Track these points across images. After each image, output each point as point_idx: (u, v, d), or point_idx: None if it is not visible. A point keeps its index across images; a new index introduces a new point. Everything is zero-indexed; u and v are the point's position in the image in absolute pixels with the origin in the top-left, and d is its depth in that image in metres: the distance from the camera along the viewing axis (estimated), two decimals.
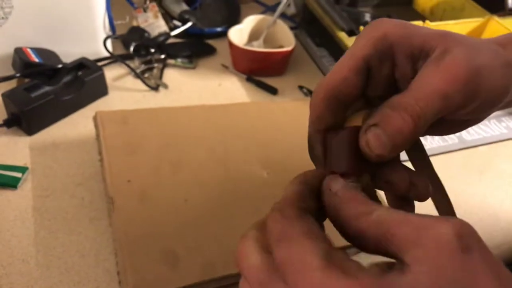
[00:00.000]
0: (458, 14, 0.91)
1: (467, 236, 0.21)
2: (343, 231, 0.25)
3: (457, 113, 0.28)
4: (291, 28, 0.85)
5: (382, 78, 0.29)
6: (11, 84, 0.66)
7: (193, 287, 0.44)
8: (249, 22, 0.85)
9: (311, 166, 0.58)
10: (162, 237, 0.47)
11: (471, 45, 0.27)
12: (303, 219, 0.25)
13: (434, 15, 0.97)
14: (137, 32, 0.83)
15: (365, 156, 0.28)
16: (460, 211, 0.60)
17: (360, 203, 0.25)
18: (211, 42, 0.87)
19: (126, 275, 0.43)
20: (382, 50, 0.28)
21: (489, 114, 0.31)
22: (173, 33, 0.84)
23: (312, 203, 0.27)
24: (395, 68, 0.29)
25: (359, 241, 0.25)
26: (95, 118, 0.59)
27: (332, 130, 0.30)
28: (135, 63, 0.78)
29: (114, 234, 0.48)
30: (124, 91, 0.74)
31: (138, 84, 0.75)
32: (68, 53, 0.70)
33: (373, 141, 0.26)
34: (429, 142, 0.70)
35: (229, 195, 0.52)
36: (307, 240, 0.23)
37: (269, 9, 1.00)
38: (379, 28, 0.28)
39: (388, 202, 0.34)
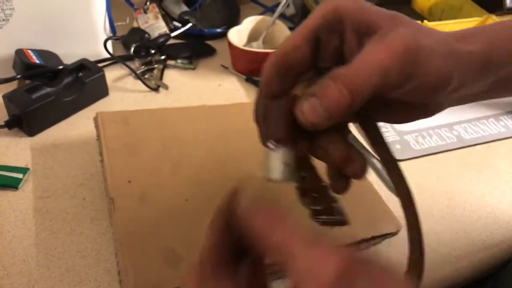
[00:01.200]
0: (456, 13, 0.91)
1: (348, 273, 0.20)
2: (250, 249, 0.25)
3: (395, 92, 0.28)
4: (290, 29, 0.86)
5: (331, 50, 0.30)
6: (12, 86, 0.67)
7: None
8: (249, 22, 0.86)
9: None
10: (162, 237, 0.47)
11: (418, 28, 0.28)
12: (216, 277, 0.25)
13: (432, 15, 0.97)
14: (137, 33, 0.83)
15: (299, 123, 0.28)
16: (459, 210, 0.61)
17: (261, 220, 0.24)
18: (211, 43, 0.88)
19: (126, 275, 0.44)
20: (331, 22, 0.29)
21: (433, 101, 0.31)
22: (173, 34, 0.85)
23: (229, 249, 0.27)
24: (343, 42, 0.30)
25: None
26: (95, 119, 0.59)
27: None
28: (136, 64, 0.79)
29: (115, 234, 0.48)
30: (125, 92, 0.74)
31: (139, 85, 0.75)
32: (69, 55, 0.71)
33: (307, 110, 0.27)
34: (427, 142, 0.70)
35: None
36: None
37: (268, 10, 1.00)
38: (332, 2, 0.29)
39: (327, 176, 0.34)
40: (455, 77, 0.29)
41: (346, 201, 0.55)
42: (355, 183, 0.58)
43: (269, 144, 0.30)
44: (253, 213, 0.24)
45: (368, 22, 0.28)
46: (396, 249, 0.55)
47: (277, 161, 0.30)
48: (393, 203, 0.61)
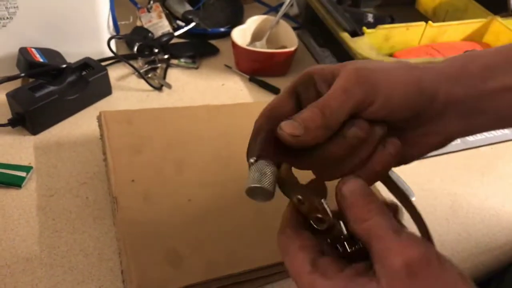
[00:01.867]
0: (461, 14, 0.91)
1: (414, 265, 0.27)
2: (348, 227, 0.31)
3: (370, 110, 0.33)
4: (294, 29, 0.86)
5: (310, 100, 0.35)
6: (16, 84, 0.67)
7: (196, 286, 0.44)
8: (252, 22, 0.85)
9: None
10: (165, 237, 0.47)
11: (366, 61, 0.36)
12: (298, 235, 0.33)
13: (436, 15, 0.97)
14: (140, 32, 0.83)
15: (282, 140, 0.33)
16: (462, 212, 0.61)
17: (360, 209, 0.30)
18: (214, 42, 0.88)
19: (130, 274, 0.44)
20: (305, 80, 0.36)
21: (433, 125, 0.36)
22: (177, 33, 0.85)
23: (302, 219, 0.34)
24: (318, 92, 0.36)
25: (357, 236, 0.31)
26: (99, 118, 0.59)
27: None
28: (139, 63, 0.79)
29: (118, 233, 0.48)
30: (128, 91, 0.74)
31: (142, 84, 0.75)
32: (72, 53, 0.71)
33: (285, 126, 0.33)
34: None
35: (232, 195, 0.52)
36: (300, 252, 0.31)
37: (272, 10, 1.00)
38: (305, 69, 0.37)
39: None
40: (428, 86, 0.34)
41: None
42: None
43: (250, 159, 0.34)
44: (352, 202, 0.31)
45: (331, 73, 0.35)
46: None
47: (256, 172, 0.33)
48: None
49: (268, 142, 0.34)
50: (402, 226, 0.31)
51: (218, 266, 0.45)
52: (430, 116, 0.35)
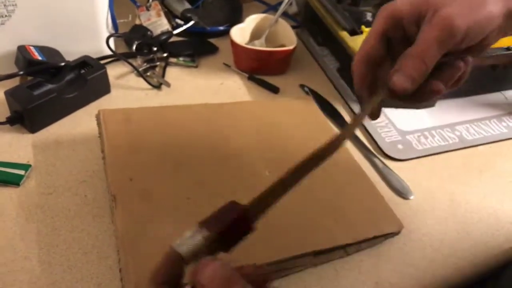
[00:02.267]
0: None
1: None
2: None
3: (458, 49, 0.39)
4: (293, 27, 0.85)
5: (400, 41, 0.41)
6: (14, 82, 0.66)
7: None
8: (251, 21, 0.85)
9: None
10: (164, 235, 0.47)
11: (448, 4, 0.38)
12: None
13: None
14: (139, 31, 0.83)
15: (394, 93, 0.39)
16: (460, 211, 0.61)
17: None
18: (213, 41, 0.88)
19: (128, 272, 0.43)
20: (393, 23, 0.41)
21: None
22: (176, 31, 0.85)
23: None
24: (406, 32, 0.41)
25: None
26: (97, 116, 0.59)
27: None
28: (138, 61, 0.79)
29: (116, 231, 0.48)
30: (127, 89, 0.74)
31: (141, 82, 0.75)
32: (71, 51, 0.71)
33: (397, 82, 0.39)
34: (430, 142, 0.70)
35: (231, 194, 0.52)
36: None
37: (271, 8, 1.00)
38: (388, 8, 0.41)
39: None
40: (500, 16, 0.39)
41: (349, 200, 0.55)
42: (358, 184, 0.58)
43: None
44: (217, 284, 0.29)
45: (417, 13, 0.39)
46: (398, 249, 0.55)
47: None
48: (395, 204, 0.61)
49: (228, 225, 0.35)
50: None
51: None
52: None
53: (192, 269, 0.30)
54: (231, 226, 0.34)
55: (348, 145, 0.69)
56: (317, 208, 0.54)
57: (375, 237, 0.53)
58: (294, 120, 0.66)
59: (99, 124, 0.59)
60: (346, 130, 0.40)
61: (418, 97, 0.42)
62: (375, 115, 0.45)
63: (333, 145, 0.39)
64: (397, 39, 0.42)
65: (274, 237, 0.49)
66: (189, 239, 0.34)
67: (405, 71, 0.39)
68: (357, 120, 0.45)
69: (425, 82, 0.40)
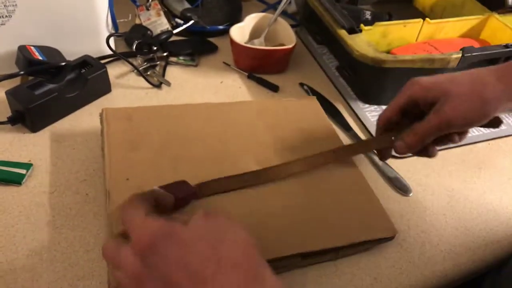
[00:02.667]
0: (458, 11, 0.91)
1: (147, 248, 0.36)
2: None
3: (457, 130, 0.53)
4: (292, 26, 0.86)
5: (413, 113, 0.55)
6: (15, 82, 0.67)
7: None
8: (251, 20, 0.86)
9: None
10: None
11: (458, 98, 0.50)
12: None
13: (434, 12, 0.97)
14: (139, 30, 0.83)
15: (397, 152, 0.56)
16: (459, 207, 0.61)
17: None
18: (213, 40, 0.88)
19: None
20: (411, 103, 0.54)
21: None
22: (176, 31, 0.85)
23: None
24: (421, 108, 0.54)
25: None
26: (101, 115, 0.60)
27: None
28: (138, 61, 0.79)
29: (108, 226, 0.49)
30: (127, 88, 0.74)
31: (141, 81, 0.76)
32: (71, 51, 0.71)
33: (398, 147, 0.55)
34: None
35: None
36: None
37: (270, 7, 1.00)
38: (410, 89, 0.54)
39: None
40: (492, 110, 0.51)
41: (343, 204, 0.55)
42: (354, 187, 0.58)
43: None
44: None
45: (431, 99, 0.52)
46: (396, 245, 0.55)
47: None
48: (394, 200, 0.61)
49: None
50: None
51: None
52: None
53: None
54: (183, 197, 0.49)
55: (347, 143, 0.69)
56: (308, 210, 0.54)
57: (366, 242, 0.52)
58: (295, 120, 0.66)
59: (101, 122, 0.59)
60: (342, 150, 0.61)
61: (418, 153, 0.57)
62: (384, 156, 0.60)
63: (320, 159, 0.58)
64: (412, 113, 0.55)
65: (262, 237, 0.49)
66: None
67: (406, 141, 0.54)
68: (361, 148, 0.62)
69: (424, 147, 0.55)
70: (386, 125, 0.57)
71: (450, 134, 0.55)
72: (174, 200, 0.47)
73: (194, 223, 0.37)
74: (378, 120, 0.58)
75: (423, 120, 0.52)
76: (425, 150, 0.56)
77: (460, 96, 0.50)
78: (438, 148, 0.57)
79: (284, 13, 0.94)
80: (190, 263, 0.34)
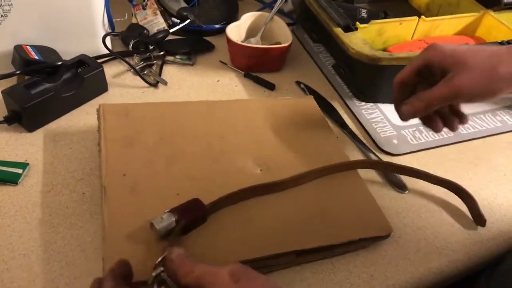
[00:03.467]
0: (454, 9, 0.91)
1: (236, 273, 0.36)
2: (180, 284, 0.38)
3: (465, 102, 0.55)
4: (288, 25, 0.86)
5: (426, 76, 0.55)
6: (11, 82, 0.67)
7: None
8: (247, 18, 0.86)
9: (304, 164, 0.59)
10: (147, 229, 0.47)
11: (473, 71, 0.50)
12: None
13: (430, 10, 0.98)
14: (136, 29, 0.83)
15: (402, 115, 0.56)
16: (455, 203, 0.61)
17: (187, 266, 0.38)
18: (209, 39, 0.88)
19: (108, 261, 0.44)
20: (426, 66, 0.54)
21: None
22: (172, 30, 0.85)
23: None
24: (433, 74, 0.54)
25: None
26: (98, 110, 0.60)
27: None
28: (134, 60, 0.79)
29: (103, 221, 0.49)
30: (124, 87, 0.74)
31: (138, 80, 0.76)
32: (68, 51, 0.71)
33: (404, 110, 0.55)
34: (424, 136, 0.71)
35: (220, 190, 0.52)
36: None
37: (267, 6, 1.00)
38: (429, 52, 0.54)
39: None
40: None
41: (339, 201, 0.55)
42: (350, 186, 0.58)
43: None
44: (179, 262, 0.39)
45: (447, 67, 0.51)
46: (393, 242, 0.55)
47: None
48: (390, 198, 0.61)
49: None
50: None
51: (201, 259, 0.46)
52: None
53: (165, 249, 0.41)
54: (194, 219, 0.49)
55: (344, 142, 0.69)
56: (304, 208, 0.54)
57: (361, 240, 0.52)
58: (292, 119, 0.66)
59: (98, 118, 0.60)
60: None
61: (424, 123, 0.58)
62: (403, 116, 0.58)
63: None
64: (425, 75, 0.55)
65: (257, 235, 0.50)
66: (164, 220, 0.47)
67: (412, 105, 0.54)
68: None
69: (430, 117, 0.57)
70: (402, 88, 0.56)
71: (451, 114, 0.57)
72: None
73: None
74: (394, 81, 0.57)
75: (433, 87, 0.52)
76: (430, 121, 0.57)
77: (475, 69, 0.50)
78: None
79: (280, 12, 0.94)
80: None
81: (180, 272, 0.38)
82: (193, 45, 0.86)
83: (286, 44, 0.80)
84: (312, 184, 0.57)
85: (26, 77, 0.66)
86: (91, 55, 0.72)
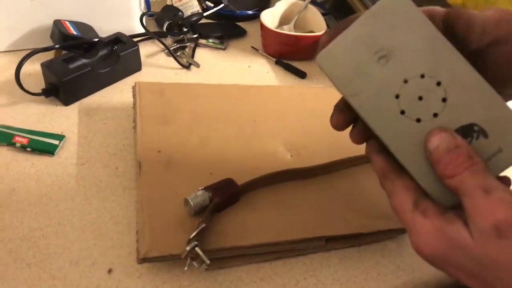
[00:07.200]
0: (491, 6, 0.90)
1: (503, 227, 0.28)
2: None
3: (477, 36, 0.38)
4: (323, 15, 0.85)
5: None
6: (48, 56, 0.68)
7: (206, 252, 0.44)
8: (281, 6, 0.86)
9: (335, 152, 0.59)
10: (182, 204, 0.48)
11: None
12: (401, 178, 0.35)
13: (466, 7, 0.96)
14: (170, 11, 0.84)
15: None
16: None
17: (446, 165, 0.31)
18: (241, 24, 0.88)
19: (143, 235, 0.45)
20: (447, 18, 0.39)
21: None
22: (206, 13, 0.85)
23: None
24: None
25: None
26: (134, 88, 0.61)
27: None
28: (168, 41, 0.80)
29: (138, 196, 0.50)
30: (157, 68, 0.75)
31: (171, 62, 0.76)
32: (103, 28, 0.72)
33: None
34: None
35: (252, 172, 0.53)
36: (404, 192, 0.34)
37: None
38: (452, 9, 0.40)
39: None
40: None
41: (369, 191, 0.56)
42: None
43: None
44: (442, 153, 0.31)
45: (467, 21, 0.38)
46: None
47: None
48: None
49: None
50: (497, 184, 0.30)
51: (227, 238, 0.47)
52: None
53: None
54: (228, 198, 0.49)
55: None
56: (335, 196, 0.54)
57: (390, 230, 0.52)
58: (323, 108, 0.66)
59: (134, 95, 0.60)
60: None
61: None
62: None
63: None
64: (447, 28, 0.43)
65: (288, 218, 0.50)
66: (199, 197, 0.48)
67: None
68: None
69: None
70: None
71: None
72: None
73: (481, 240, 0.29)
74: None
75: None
76: None
77: None
78: None
79: (313, 2, 0.94)
80: None
81: (438, 171, 0.31)
82: (226, 29, 0.86)
83: (320, 33, 0.80)
84: (342, 173, 0.57)
85: (63, 52, 0.67)
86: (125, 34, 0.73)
